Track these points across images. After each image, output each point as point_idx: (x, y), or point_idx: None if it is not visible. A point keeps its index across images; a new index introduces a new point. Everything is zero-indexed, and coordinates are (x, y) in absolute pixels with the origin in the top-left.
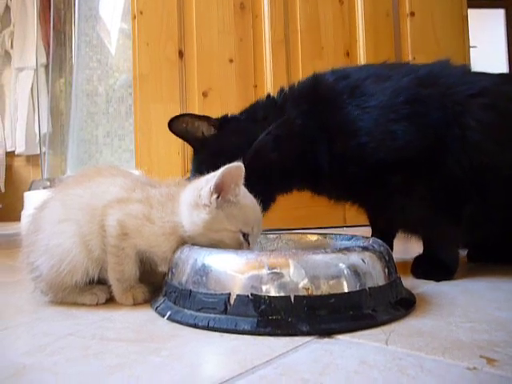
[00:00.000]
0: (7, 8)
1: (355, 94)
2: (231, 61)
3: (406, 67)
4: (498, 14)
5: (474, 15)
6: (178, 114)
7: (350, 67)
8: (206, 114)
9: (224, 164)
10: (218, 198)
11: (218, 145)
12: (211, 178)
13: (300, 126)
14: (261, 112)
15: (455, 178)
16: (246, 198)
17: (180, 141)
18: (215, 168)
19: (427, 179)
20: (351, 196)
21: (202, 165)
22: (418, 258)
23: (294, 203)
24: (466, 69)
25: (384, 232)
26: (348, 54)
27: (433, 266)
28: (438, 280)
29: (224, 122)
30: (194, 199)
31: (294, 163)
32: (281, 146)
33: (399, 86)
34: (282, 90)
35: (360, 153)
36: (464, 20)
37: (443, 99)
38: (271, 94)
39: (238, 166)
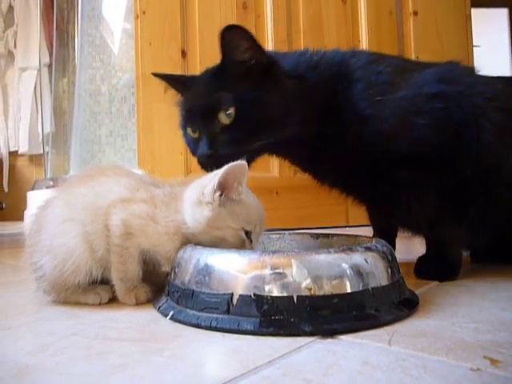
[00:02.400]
0: (10, 8)
1: (378, 80)
2: None
3: (422, 63)
4: (502, 13)
5: (478, 14)
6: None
7: (371, 52)
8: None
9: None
10: (221, 195)
11: (269, 94)
12: (214, 176)
13: (322, 101)
14: (300, 69)
15: (464, 178)
16: (249, 197)
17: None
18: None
19: (437, 177)
20: (352, 187)
21: (232, 96)
22: (421, 259)
23: (296, 203)
24: (475, 71)
25: (384, 230)
26: None
27: (437, 266)
28: (441, 280)
29: (271, 65)
30: (197, 196)
31: (308, 132)
32: (296, 110)
33: (422, 79)
34: (319, 53)
35: (374, 140)
36: (467, 19)
37: (464, 98)
38: (310, 53)
39: (241, 164)
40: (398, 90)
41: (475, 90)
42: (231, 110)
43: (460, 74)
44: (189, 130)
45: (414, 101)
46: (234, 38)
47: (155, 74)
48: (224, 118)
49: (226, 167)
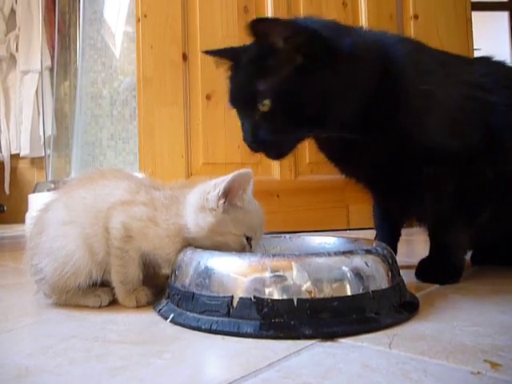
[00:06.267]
0: (12, 11)
1: (424, 70)
2: None
3: (460, 57)
4: (502, 17)
5: (478, 18)
6: (181, 116)
7: (415, 40)
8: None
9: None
10: (224, 202)
11: (308, 86)
12: (220, 183)
13: (374, 86)
14: (360, 47)
15: (485, 181)
16: (251, 204)
17: (183, 143)
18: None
19: (460, 176)
20: (377, 178)
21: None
22: (423, 261)
23: (297, 206)
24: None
25: (388, 232)
26: None
27: (439, 269)
28: (443, 283)
29: (315, 46)
30: (200, 202)
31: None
32: (346, 102)
33: (465, 79)
34: (373, 33)
35: (415, 131)
36: (468, 22)
37: (500, 108)
38: (365, 31)
39: (247, 172)
40: (443, 84)
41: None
42: (267, 102)
43: (499, 81)
44: (236, 112)
45: (455, 97)
46: (267, 30)
47: (206, 52)
48: (262, 107)
49: (232, 175)
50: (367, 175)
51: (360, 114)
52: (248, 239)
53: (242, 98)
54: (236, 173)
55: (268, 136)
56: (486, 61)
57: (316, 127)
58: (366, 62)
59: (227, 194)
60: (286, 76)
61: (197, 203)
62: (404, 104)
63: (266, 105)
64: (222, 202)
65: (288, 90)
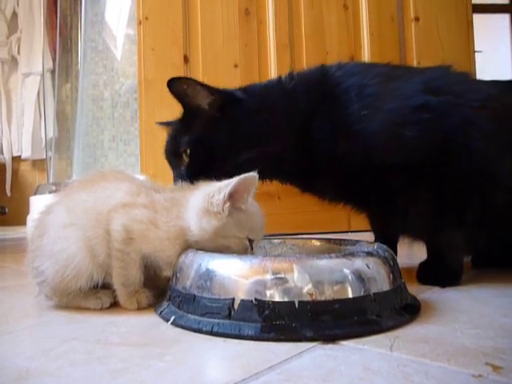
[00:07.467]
0: (14, 14)
1: (362, 94)
2: (236, 66)
3: (411, 69)
4: (504, 19)
5: (479, 20)
6: None
7: (356, 63)
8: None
9: (220, 156)
10: (229, 206)
11: (219, 132)
12: (224, 187)
13: (305, 122)
14: (271, 99)
15: (458, 183)
16: (253, 206)
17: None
18: (209, 154)
19: (430, 183)
20: (350, 198)
21: (193, 143)
22: (423, 264)
23: (298, 208)
24: (469, 76)
25: (386, 236)
26: (353, 59)
27: (438, 272)
28: (443, 286)
29: (229, 103)
30: (204, 206)
31: (290, 157)
32: (280, 138)
33: (408, 89)
34: (291, 76)
35: (364, 154)
36: (469, 25)
37: (451, 108)
38: (282, 79)
39: (253, 176)
40: (385, 103)
41: (463, 99)
42: (188, 151)
43: (448, 82)
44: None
45: (400, 113)
46: (179, 87)
47: (158, 123)
48: (185, 158)
49: (237, 178)
50: (345, 199)
51: (294, 145)
52: (250, 241)
53: (171, 153)
54: (241, 176)
55: (188, 180)
56: (439, 68)
57: (228, 167)
58: (273, 111)
59: (232, 197)
60: (203, 128)
61: (200, 206)
62: (346, 133)
63: (187, 154)
64: (227, 205)
65: (200, 139)
